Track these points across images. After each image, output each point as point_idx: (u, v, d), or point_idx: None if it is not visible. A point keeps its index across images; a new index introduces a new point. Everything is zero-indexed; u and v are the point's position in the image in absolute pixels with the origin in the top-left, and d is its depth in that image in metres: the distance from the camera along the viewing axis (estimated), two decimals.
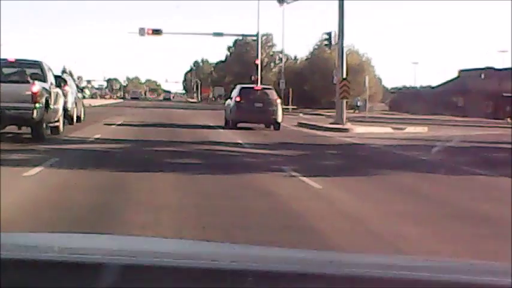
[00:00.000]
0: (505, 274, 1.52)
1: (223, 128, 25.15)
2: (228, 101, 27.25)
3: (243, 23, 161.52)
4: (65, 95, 20.78)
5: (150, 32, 50.84)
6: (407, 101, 70.68)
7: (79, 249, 1.61)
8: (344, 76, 28.96)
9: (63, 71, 62.60)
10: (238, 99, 25.03)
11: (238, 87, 26.59)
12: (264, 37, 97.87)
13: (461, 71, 75.15)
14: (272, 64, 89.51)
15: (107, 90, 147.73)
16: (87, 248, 1.65)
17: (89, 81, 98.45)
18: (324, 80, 58.37)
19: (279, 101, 25.25)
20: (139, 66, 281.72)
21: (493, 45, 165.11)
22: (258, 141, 18.25)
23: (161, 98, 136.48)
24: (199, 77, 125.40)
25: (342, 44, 29.75)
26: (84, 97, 33.63)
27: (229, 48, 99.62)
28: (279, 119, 24.93)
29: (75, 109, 23.53)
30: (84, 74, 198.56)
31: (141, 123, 26.43)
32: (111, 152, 13.52)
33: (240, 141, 17.64)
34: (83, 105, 25.93)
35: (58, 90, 17.78)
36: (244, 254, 1.64)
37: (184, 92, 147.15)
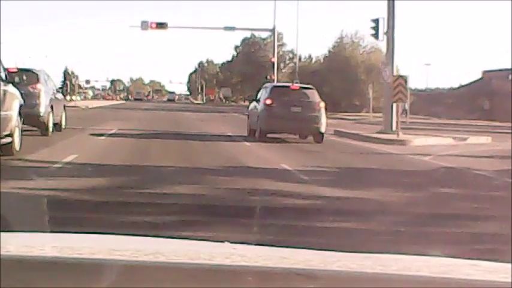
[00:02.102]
0: (505, 274, 1.48)
1: (246, 138, 19.98)
2: (254, 104, 20.26)
3: (254, 19, 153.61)
4: (35, 96, 16.83)
5: (154, 25, 44.29)
6: (427, 104, 63.83)
7: (79, 249, 1.55)
8: (397, 73, 21.98)
9: (65, 72, 56.34)
10: (269, 102, 18.21)
11: (269, 86, 19.71)
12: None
13: (485, 72, 68.87)
14: (282, 64, 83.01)
15: (109, 91, 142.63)
16: (87, 248, 1.58)
17: (87, 81, 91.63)
18: (344, 80, 52.27)
19: (322, 104, 18.41)
20: (143, 67, 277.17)
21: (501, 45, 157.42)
22: (311, 164, 13.09)
23: (165, 99, 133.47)
24: (204, 78, 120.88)
25: (393, 33, 23.02)
26: (90, 97, 27.23)
27: (236, 47, 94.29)
28: (323, 129, 18.14)
29: (51, 114, 16.96)
30: (88, 75, 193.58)
31: (141, 133, 20.80)
32: (72, 204, 7.44)
33: (287, 167, 12.24)
34: (64, 109, 19.18)
35: (10, 88, 11.09)
36: (244, 254, 1.59)
37: (188, 93, 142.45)
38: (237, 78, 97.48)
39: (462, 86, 73.31)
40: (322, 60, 64.62)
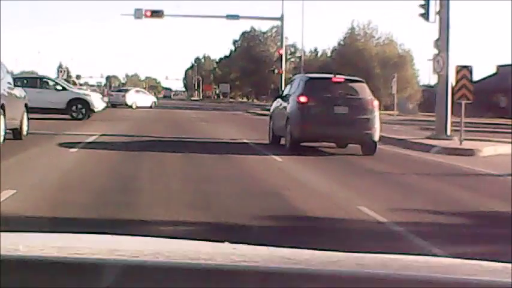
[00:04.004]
0: (505, 274, 1.46)
1: (269, 148, 15.18)
2: (279, 102, 14.96)
3: (256, 10, 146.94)
4: None
5: (149, 14, 38.40)
6: None
7: (79, 249, 1.53)
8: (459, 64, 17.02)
9: (59, 68, 51.72)
10: (303, 99, 12.90)
11: (303, 78, 14.37)
12: (275, 29, 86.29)
13: (499, 67, 64.01)
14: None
15: (104, 87, 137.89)
16: (87, 248, 1.56)
17: (78, 76, 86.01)
18: (357, 75, 46.20)
19: (376, 103, 12.84)
20: (139, 63, 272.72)
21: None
22: (404, 204, 8.27)
23: (161, 95, 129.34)
24: (200, 74, 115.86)
25: (448, 12, 17.58)
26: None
27: (234, 42, 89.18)
28: (376, 136, 12.54)
29: (1, 118, 10.96)
30: (83, 71, 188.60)
31: (130, 140, 16.02)
32: None
33: (371, 213, 7.29)
34: (26, 111, 13.53)
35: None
36: (244, 254, 1.57)
37: (184, 89, 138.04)
38: (236, 73, 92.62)
39: (475, 82, 68.12)
40: (329, 54, 59.03)
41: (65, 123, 22.24)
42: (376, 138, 14.34)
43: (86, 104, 24.92)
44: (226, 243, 1.72)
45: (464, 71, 17.89)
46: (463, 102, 17.90)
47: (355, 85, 14.90)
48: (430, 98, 66.87)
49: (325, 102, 14.14)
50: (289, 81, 15.90)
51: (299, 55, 71.28)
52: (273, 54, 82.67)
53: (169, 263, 1.45)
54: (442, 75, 19.51)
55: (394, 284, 1.37)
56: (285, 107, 15.07)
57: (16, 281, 1.32)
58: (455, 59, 20.24)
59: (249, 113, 42.62)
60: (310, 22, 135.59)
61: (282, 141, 15.38)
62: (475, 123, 31.03)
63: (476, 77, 20.19)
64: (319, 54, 66.12)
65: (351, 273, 1.43)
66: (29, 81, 26.05)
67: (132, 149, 13.26)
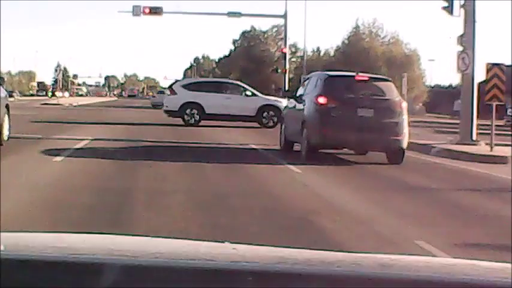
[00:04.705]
0: (505, 274, 1.45)
1: (281, 155, 13.44)
2: (292, 103, 13.26)
3: (257, 8, 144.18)
4: None
5: (148, 11, 36.51)
6: (446, 101, 56.99)
7: (79, 249, 1.54)
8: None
9: (57, 68, 50.11)
10: (323, 100, 11.13)
11: (321, 76, 12.54)
12: (275, 29, 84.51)
13: (506, 67, 61.44)
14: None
15: (103, 87, 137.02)
16: (87, 248, 1.56)
17: (75, 76, 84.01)
18: None
19: (404, 105, 10.91)
20: (138, 63, 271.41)
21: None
22: (446, 229, 6.70)
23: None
24: (199, 74, 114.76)
25: (474, 5, 15.84)
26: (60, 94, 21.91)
27: (234, 41, 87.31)
28: (405, 143, 10.45)
29: None
30: (82, 71, 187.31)
31: (125, 146, 14.16)
32: None
33: (424, 245, 5.68)
34: (8, 111, 11.84)
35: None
36: (244, 254, 1.57)
37: None
38: (236, 73, 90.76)
39: (481, 82, 66.48)
40: (332, 53, 57.04)
41: (59, 125, 20.39)
42: (405, 145, 12.54)
43: (277, 111, 22.55)
44: (226, 243, 1.70)
45: (496, 69, 16.16)
46: (494, 104, 16.11)
47: (381, 84, 13.10)
48: (435, 99, 65.31)
49: (348, 104, 12.33)
50: (304, 80, 14.12)
51: (299, 55, 69.47)
52: (273, 54, 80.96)
53: (169, 263, 1.45)
54: (467, 74, 17.73)
55: (394, 284, 1.36)
56: (300, 109, 13.24)
57: (16, 281, 1.32)
58: (483, 57, 18.52)
59: None
60: (311, 21, 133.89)
61: (296, 147, 13.58)
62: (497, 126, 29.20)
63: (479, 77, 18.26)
64: (321, 54, 64.31)
65: (351, 273, 1.42)
66: (218, 86, 25.41)
67: (127, 157, 11.44)
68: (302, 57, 52.13)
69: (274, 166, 11.58)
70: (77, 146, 13.24)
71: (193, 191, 8.43)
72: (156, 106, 43.95)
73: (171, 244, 1.80)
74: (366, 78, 13.38)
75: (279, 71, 41.56)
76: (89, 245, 1.61)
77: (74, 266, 1.37)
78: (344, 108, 12.40)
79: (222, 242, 1.70)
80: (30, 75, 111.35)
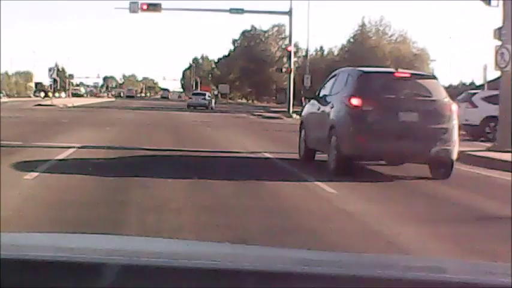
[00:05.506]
0: (505, 274, 1.42)
1: (302, 167, 10.97)
2: (315, 106, 10.66)
3: (257, 7, 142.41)
4: None
5: (146, 7, 34.40)
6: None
7: (79, 249, 1.53)
8: None
9: (55, 67, 48.67)
10: (356, 102, 8.48)
11: (352, 73, 9.93)
12: (276, 28, 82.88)
13: None
14: (285, 59, 74.37)
15: (101, 88, 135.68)
16: (87, 248, 1.56)
17: (70, 76, 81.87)
18: None
19: (454, 107, 8.16)
20: (136, 64, 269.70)
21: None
22: None
23: (158, 96, 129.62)
24: (198, 75, 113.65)
25: None
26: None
27: (234, 41, 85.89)
28: (455, 154, 7.65)
29: None
30: (80, 72, 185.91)
31: (116, 155, 11.67)
32: None
33: None
34: None
35: None
36: (244, 254, 1.55)
37: (182, 90, 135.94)
38: (235, 74, 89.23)
39: (489, 82, 64.67)
40: (336, 52, 55.01)
41: (47, 128, 18.14)
42: (455, 155, 10.30)
43: None
44: (227, 243, 1.73)
45: None
46: None
47: (425, 82, 10.78)
48: None
49: (387, 106, 10.06)
50: (329, 77, 11.80)
51: (301, 54, 67.59)
52: (274, 53, 79.00)
53: (169, 263, 1.46)
54: (507, 72, 15.50)
55: (394, 284, 1.35)
56: (326, 112, 10.94)
57: (16, 281, 1.32)
58: None
59: (254, 115, 38.60)
60: (313, 20, 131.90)
61: (320, 156, 11.35)
62: None
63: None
64: (325, 53, 62.15)
65: (351, 273, 1.42)
66: None
67: (118, 173, 9.12)
68: (305, 56, 50.19)
69: (300, 184, 9.21)
70: (60, 157, 10.95)
71: (204, 231, 5.98)
72: (191, 106, 47.41)
73: (171, 244, 1.81)
74: (408, 75, 11.04)
75: (283, 70, 39.45)
76: (89, 245, 1.61)
77: (74, 266, 1.38)
78: (382, 111, 10.09)
79: (222, 242, 1.81)
80: (27, 76, 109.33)
